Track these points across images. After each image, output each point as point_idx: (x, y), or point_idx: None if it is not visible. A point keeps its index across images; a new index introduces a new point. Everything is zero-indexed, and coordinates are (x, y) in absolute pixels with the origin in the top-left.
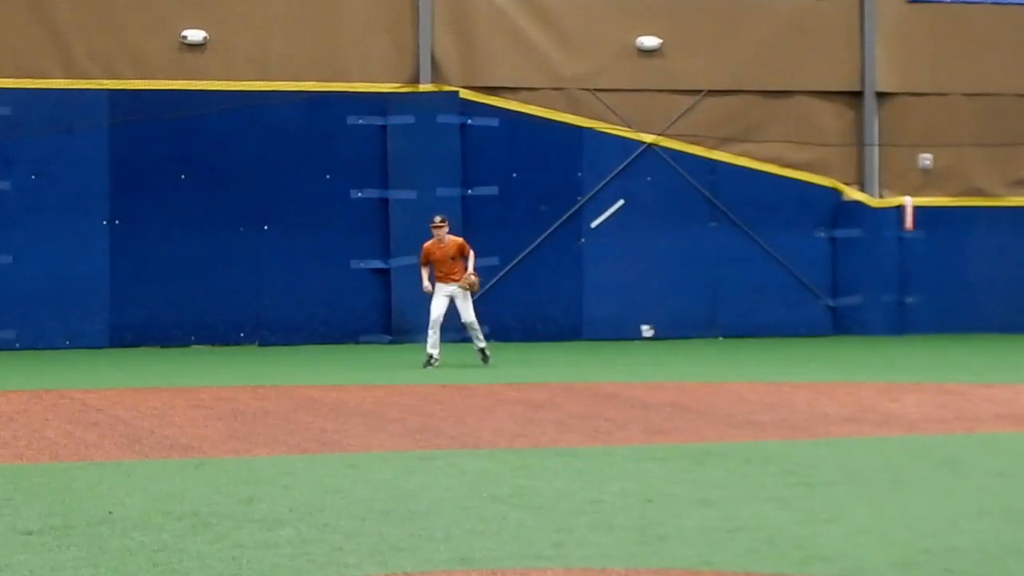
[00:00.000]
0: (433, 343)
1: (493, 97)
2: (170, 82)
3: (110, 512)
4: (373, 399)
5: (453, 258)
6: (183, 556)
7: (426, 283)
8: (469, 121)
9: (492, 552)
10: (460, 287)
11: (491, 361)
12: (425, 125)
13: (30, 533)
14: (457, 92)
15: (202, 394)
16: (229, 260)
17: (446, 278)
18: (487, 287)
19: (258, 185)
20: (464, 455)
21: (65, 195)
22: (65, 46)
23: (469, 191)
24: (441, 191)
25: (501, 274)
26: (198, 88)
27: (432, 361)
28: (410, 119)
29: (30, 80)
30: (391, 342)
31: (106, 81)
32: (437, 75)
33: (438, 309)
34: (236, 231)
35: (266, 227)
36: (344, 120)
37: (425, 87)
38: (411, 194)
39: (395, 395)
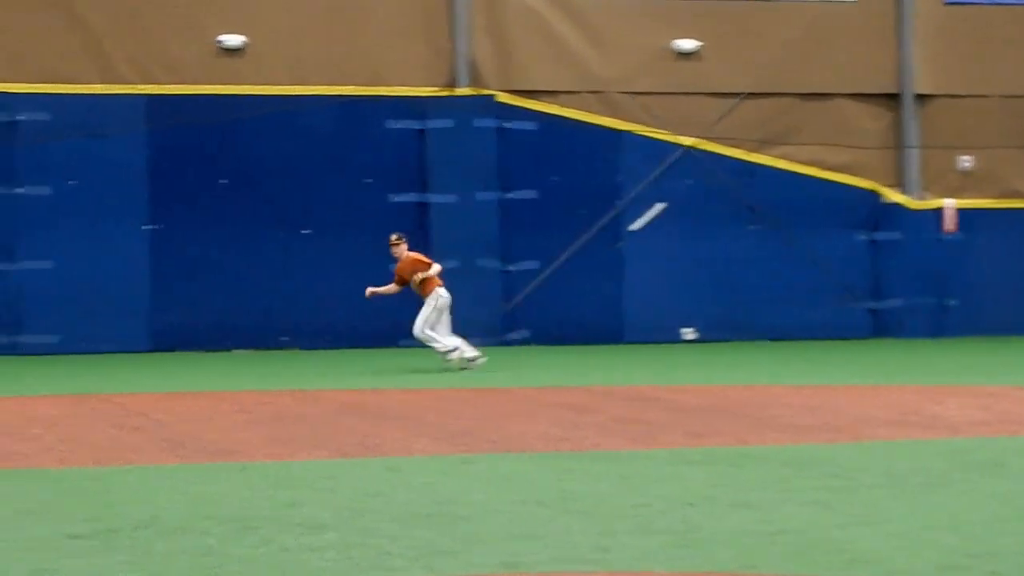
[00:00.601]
0: (460, 343)
1: (530, 100)
2: (207, 87)
3: (155, 516)
4: (413, 402)
5: (413, 274)
6: (227, 560)
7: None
8: (506, 125)
9: (536, 556)
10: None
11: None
12: (462, 129)
13: (76, 537)
14: (494, 96)
15: (243, 398)
16: (269, 264)
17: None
18: (527, 289)
19: (296, 189)
20: (505, 459)
21: (104, 200)
22: (102, 52)
23: (507, 195)
24: (480, 195)
25: (540, 278)
26: (236, 93)
27: (475, 359)
28: (447, 123)
29: (68, 86)
30: None
31: (143, 86)
32: (474, 79)
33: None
34: (275, 235)
35: (305, 231)
36: (382, 124)
37: (462, 91)
38: (450, 198)
39: (435, 398)
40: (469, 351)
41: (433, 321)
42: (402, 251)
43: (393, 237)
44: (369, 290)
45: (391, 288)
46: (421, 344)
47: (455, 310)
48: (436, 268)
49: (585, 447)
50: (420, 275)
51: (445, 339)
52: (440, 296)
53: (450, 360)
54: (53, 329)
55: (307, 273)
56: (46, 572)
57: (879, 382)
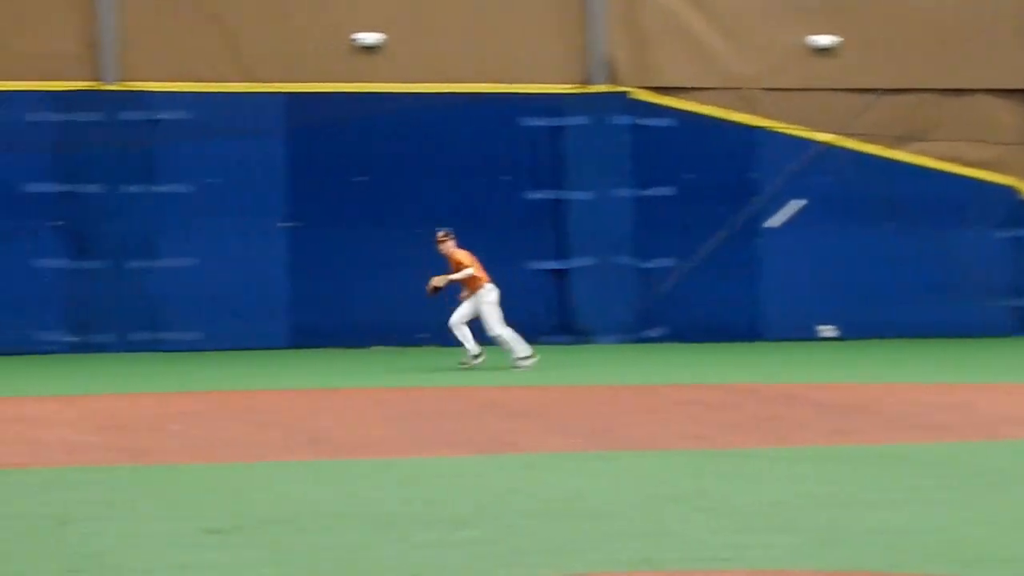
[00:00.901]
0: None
1: (666, 97)
2: (345, 85)
3: (294, 512)
4: (551, 400)
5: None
6: (365, 556)
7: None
8: (642, 122)
9: (674, 553)
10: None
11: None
12: (598, 126)
13: (215, 532)
14: (630, 93)
15: (383, 395)
16: (407, 261)
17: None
18: (664, 287)
19: (434, 186)
20: (643, 456)
21: (245, 198)
22: (242, 51)
23: (644, 192)
24: (616, 192)
25: (677, 275)
26: (373, 91)
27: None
28: (583, 120)
29: (208, 84)
30: (569, 343)
31: (282, 85)
32: (609, 76)
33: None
34: (412, 232)
35: (442, 228)
36: (518, 122)
37: (598, 88)
38: (586, 195)
39: (573, 396)
40: (473, 349)
41: (498, 314)
42: (449, 247)
43: (440, 234)
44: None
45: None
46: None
47: (593, 306)
48: (468, 271)
49: (721, 445)
50: (457, 273)
51: (471, 341)
52: (490, 291)
53: (474, 363)
54: (194, 326)
55: (445, 270)
56: (186, 567)
57: (1021, 380)
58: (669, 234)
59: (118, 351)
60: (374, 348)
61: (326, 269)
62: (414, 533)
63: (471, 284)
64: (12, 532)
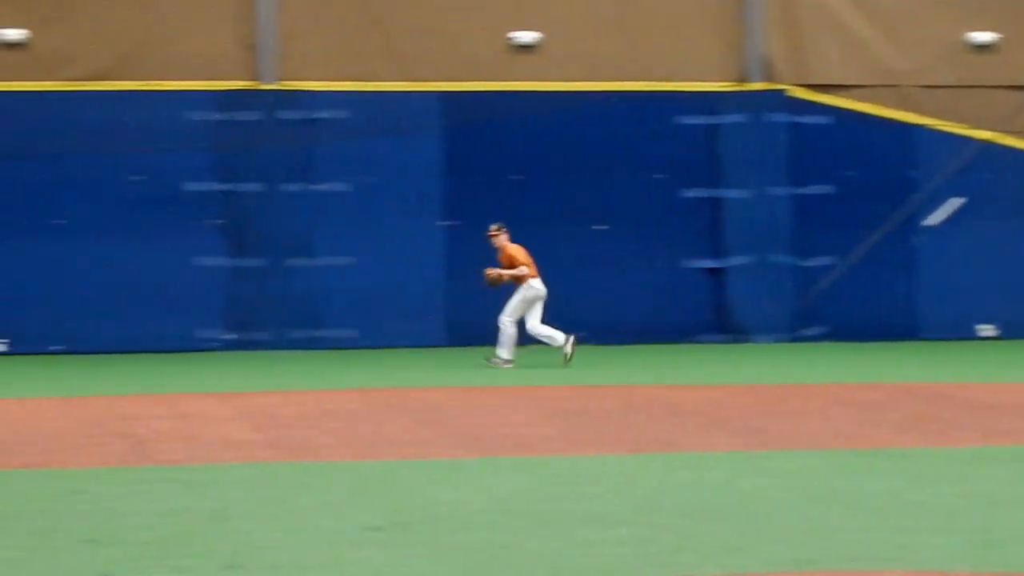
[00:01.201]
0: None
1: (823, 95)
2: (502, 83)
3: (451, 509)
4: (708, 399)
5: (509, 267)
6: (522, 553)
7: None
8: (800, 120)
9: (831, 553)
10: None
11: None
12: (755, 124)
13: (373, 529)
14: (787, 90)
15: (538, 393)
16: (562, 259)
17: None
18: (822, 285)
19: (589, 185)
20: (799, 456)
21: (402, 196)
22: (399, 50)
23: (801, 190)
24: (773, 190)
25: (835, 273)
26: (529, 89)
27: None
28: (740, 118)
29: (366, 84)
30: (726, 341)
31: (439, 83)
32: (766, 73)
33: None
34: (568, 231)
35: (598, 227)
36: (674, 120)
37: (755, 86)
38: (743, 193)
39: (730, 395)
40: (559, 339)
41: (521, 311)
42: (502, 241)
43: (492, 228)
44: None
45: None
46: (760, 337)
47: (750, 305)
48: (523, 270)
49: (879, 444)
50: (514, 270)
51: (554, 332)
52: (531, 287)
53: (499, 362)
54: (351, 324)
55: (601, 268)
56: (343, 564)
57: None
58: (827, 232)
59: (276, 348)
60: (530, 346)
61: (482, 267)
62: (569, 531)
63: (521, 280)
64: (172, 528)
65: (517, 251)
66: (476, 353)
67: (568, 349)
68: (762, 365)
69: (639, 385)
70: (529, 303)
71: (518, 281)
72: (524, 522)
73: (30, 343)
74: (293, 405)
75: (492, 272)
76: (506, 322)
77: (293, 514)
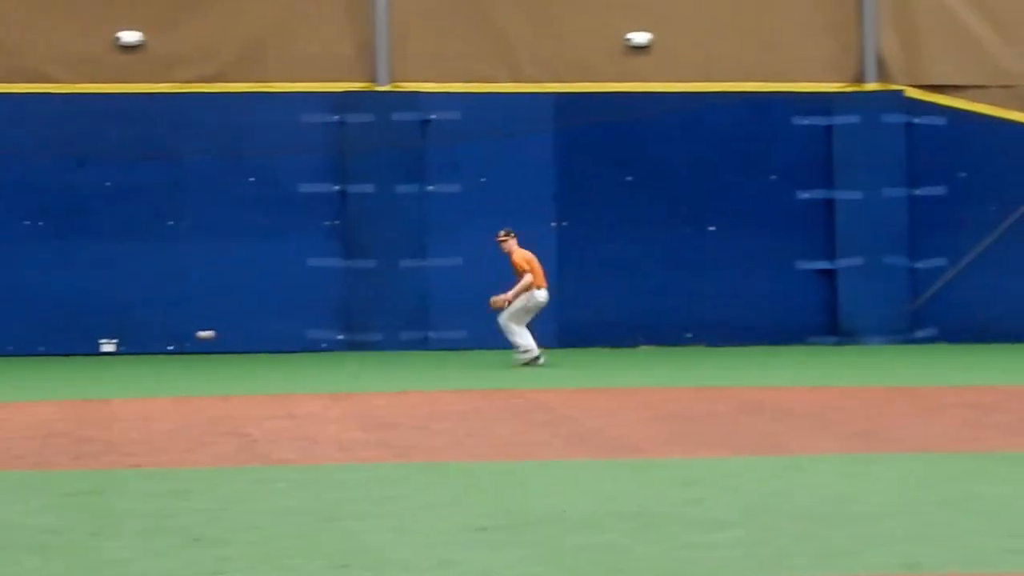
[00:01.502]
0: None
1: (939, 95)
2: (614, 85)
3: (564, 511)
4: (818, 401)
5: (518, 274)
6: (631, 556)
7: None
8: (915, 120)
9: (940, 557)
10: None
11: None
12: (870, 125)
13: (482, 530)
14: (902, 91)
15: (649, 395)
16: (675, 261)
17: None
18: (935, 287)
19: (702, 186)
20: (910, 459)
21: (513, 197)
22: (512, 51)
23: (915, 191)
24: (887, 191)
25: (949, 275)
26: (642, 91)
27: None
28: (855, 119)
29: (478, 85)
30: (837, 343)
31: (551, 85)
32: (882, 74)
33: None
34: (681, 232)
35: (711, 228)
36: (787, 121)
37: (870, 86)
38: (857, 194)
39: (840, 397)
40: (534, 351)
41: (519, 317)
42: (510, 246)
43: (501, 233)
44: (499, 299)
45: (524, 283)
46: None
47: (862, 307)
48: (528, 278)
49: (991, 447)
50: (521, 282)
51: (526, 338)
52: (533, 297)
53: (521, 359)
54: (460, 325)
55: (712, 270)
56: (453, 564)
57: None
58: (940, 234)
59: (388, 349)
60: (641, 348)
61: (593, 268)
62: (677, 533)
63: (527, 288)
64: (285, 527)
65: (523, 258)
66: (587, 355)
67: (541, 361)
68: (873, 367)
69: (749, 387)
70: (529, 312)
71: (525, 290)
72: (632, 524)
73: (141, 344)
74: (403, 406)
75: (497, 300)
76: (506, 322)
77: (401, 514)
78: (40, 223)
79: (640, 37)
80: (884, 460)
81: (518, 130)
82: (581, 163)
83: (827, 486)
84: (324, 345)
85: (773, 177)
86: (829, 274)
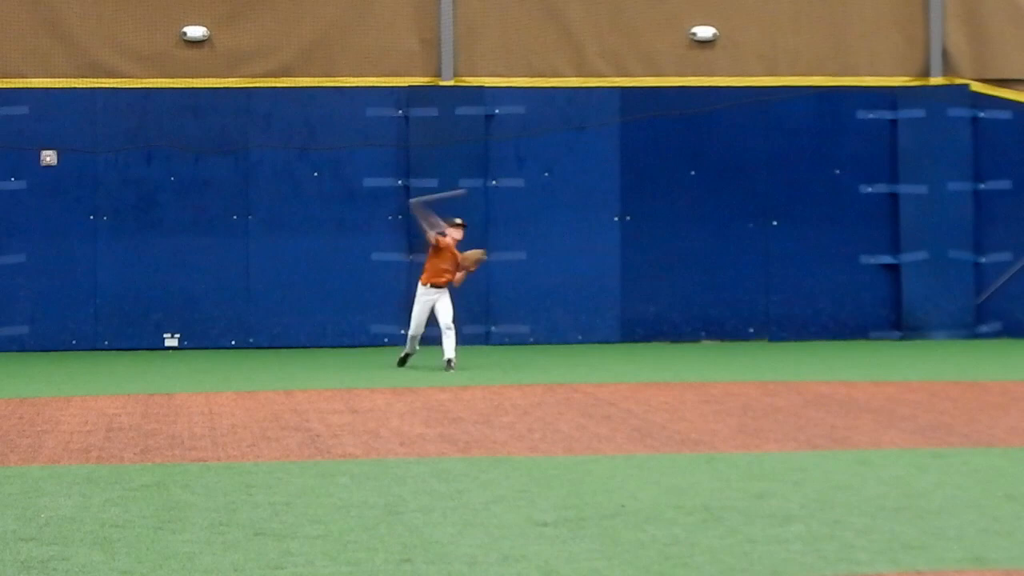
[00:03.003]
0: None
1: (1005, 89)
2: (680, 79)
3: (623, 505)
4: (883, 395)
5: (455, 265)
6: (694, 550)
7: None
8: (981, 114)
9: (1007, 552)
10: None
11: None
12: (936, 119)
13: (545, 524)
14: (968, 85)
15: (712, 389)
16: (738, 255)
17: (440, 277)
18: (1000, 281)
19: (767, 180)
20: (977, 453)
21: (577, 192)
22: (578, 45)
23: (980, 185)
24: (952, 185)
25: (1013, 270)
26: (707, 85)
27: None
28: (920, 113)
29: (544, 79)
30: (901, 338)
31: (617, 79)
32: (948, 68)
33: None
34: (745, 227)
35: (775, 222)
36: (853, 115)
37: (935, 80)
38: (922, 188)
39: (905, 391)
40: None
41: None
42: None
43: (459, 221)
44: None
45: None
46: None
47: (926, 301)
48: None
49: None
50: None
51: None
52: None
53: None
54: (523, 319)
55: (777, 264)
56: (516, 558)
57: None
58: (1005, 228)
59: None
60: (703, 342)
61: (657, 262)
62: (741, 527)
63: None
64: (348, 521)
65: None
66: (650, 349)
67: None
68: (937, 361)
69: (813, 381)
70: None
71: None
72: (696, 518)
73: (205, 338)
74: (466, 400)
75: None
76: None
77: (465, 509)
78: (105, 217)
79: (705, 31)
80: (950, 454)
81: (583, 124)
82: (645, 158)
83: (892, 480)
84: (387, 340)
85: (837, 171)
86: (893, 269)
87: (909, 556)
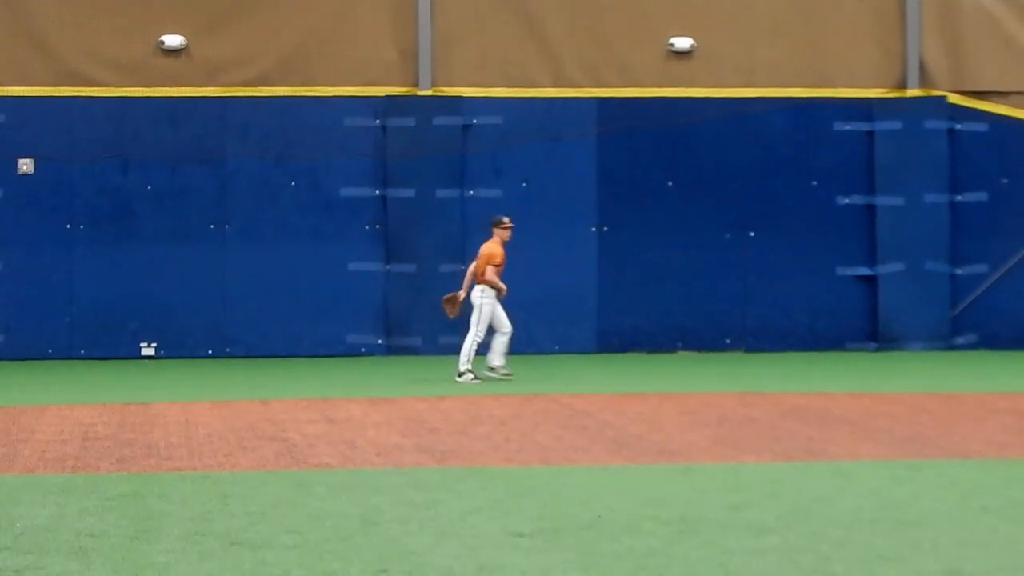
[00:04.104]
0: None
1: (982, 102)
2: (657, 90)
3: (599, 516)
4: (860, 407)
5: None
6: (671, 561)
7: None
8: (957, 126)
9: (983, 564)
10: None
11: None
12: (912, 131)
13: (521, 535)
14: (945, 97)
15: (689, 400)
16: (715, 267)
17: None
18: (976, 293)
19: (744, 192)
20: (953, 465)
21: (554, 202)
22: (555, 56)
23: (957, 197)
24: (928, 197)
25: (990, 281)
26: (685, 96)
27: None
28: (897, 125)
29: (520, 89)
30: (877, 349)
31: (595, 89)
32: (924, 80)
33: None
34: (722, 238)
35: (752, 233)
36: (830, 126)
37: (912, 92)
38: (898, 200)
39: (882, 403)
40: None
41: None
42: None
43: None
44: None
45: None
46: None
47: (902, 313)
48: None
49: None
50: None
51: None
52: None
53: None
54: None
55: (754, 275)
56: (492, 569)
57: None
58: (982, 240)
59: (427, 354)
60: (680, 353)
61: (634, 273)
62: (718, 539)
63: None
64: (324, 531)
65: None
66: (627, 360)
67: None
68: (913, 373)
69: (790, 393)
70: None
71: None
72: (673, 529)
73: (182, 348)
74: (443, 410)
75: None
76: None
77: (441, 519)
78: (82, 226)
79: (683, 42)
80: (926, 466)
81: (560, 135)
82: (622, 168)
83: (869, 492)
84: (364, 349)
85: (814, 183)
86: (870, 280)
87: (885, 568)
